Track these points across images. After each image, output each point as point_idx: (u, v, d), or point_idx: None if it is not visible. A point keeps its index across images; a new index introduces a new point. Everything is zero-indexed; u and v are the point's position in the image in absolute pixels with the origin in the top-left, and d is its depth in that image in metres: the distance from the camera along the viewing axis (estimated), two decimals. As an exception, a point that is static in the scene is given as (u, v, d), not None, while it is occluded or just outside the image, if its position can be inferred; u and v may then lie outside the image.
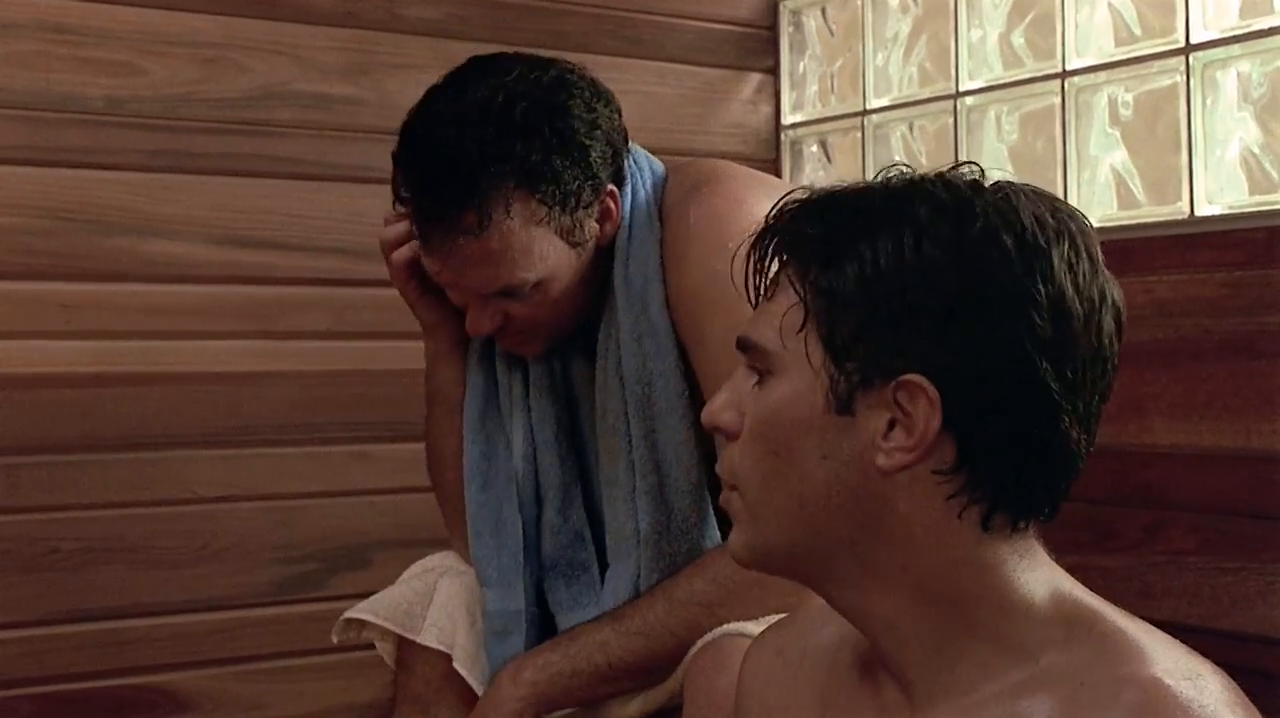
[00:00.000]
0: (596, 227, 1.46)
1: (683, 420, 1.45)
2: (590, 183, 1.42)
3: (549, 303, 1.45)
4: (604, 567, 1.53)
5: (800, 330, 0.91)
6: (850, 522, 0.91)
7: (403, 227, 1.51)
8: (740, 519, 0.96)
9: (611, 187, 1.46)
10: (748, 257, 0.96)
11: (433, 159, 1.39)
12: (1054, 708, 0.86)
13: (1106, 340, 0.91)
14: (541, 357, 1.55)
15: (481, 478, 1.56)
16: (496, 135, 1.37)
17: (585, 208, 1.43)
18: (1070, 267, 0.89)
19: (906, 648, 0.92)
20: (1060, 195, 2.08)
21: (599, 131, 1.43)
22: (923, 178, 0.93)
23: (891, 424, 0.89)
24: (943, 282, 0.88)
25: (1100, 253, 0.93)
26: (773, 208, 0.96)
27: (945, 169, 0.95)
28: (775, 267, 0.95)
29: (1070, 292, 0.89)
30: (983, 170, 0.94)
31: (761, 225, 0.96)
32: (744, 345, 0.95)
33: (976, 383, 0.88)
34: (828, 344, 0.90)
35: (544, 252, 1.41)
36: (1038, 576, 0.92)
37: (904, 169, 0.95)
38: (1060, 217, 0.91)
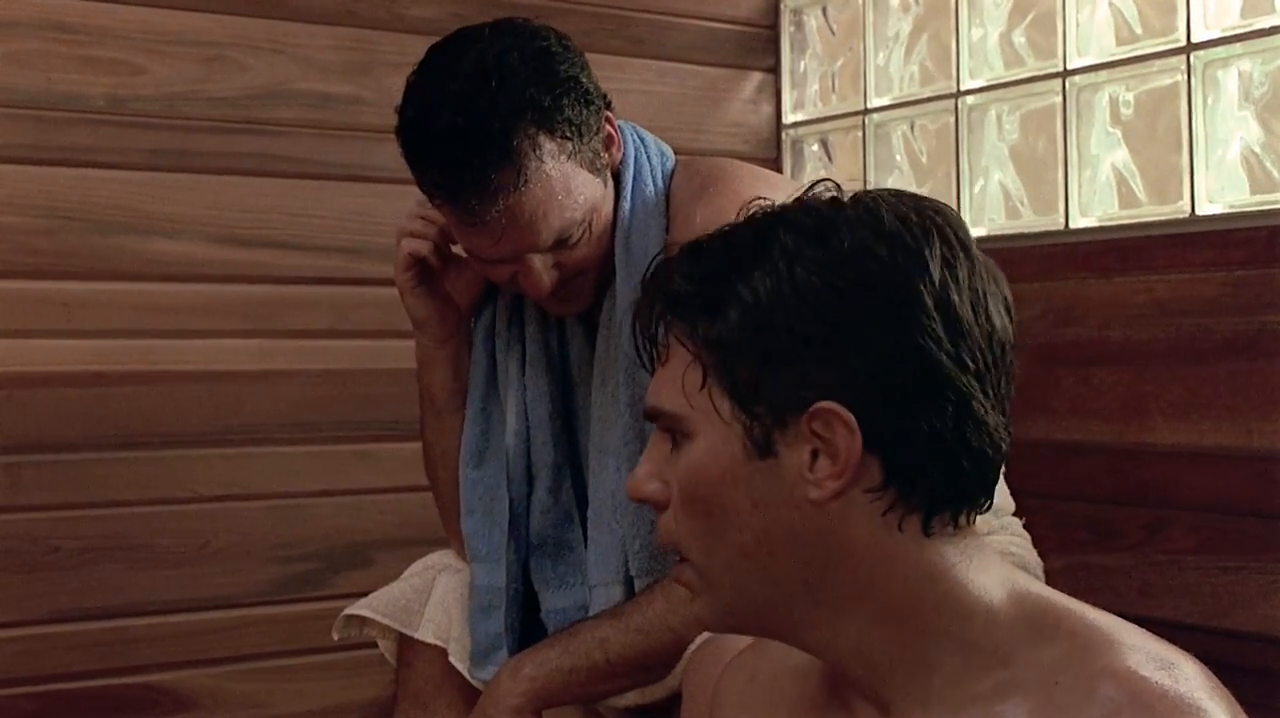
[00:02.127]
0: (605, 154, 1.49)
1: None
2: (592, 110, 1.45)
3: (593, 240, 1.47)
4: None
5: (703, 387, 0.90)
6: (797, 562, 0.90)
7: (422, 224, 1.52)
8: (694, 588, 0.94)
9: (607, 112, 1.49)
10: (633, 328, 0.95)
11: (452, 138, 1.40)
12: (1031, 710, 0.86)
13: (998, 323, 0.91)
14: (539, 335, 1.57)
15: (477, 456, 1.58)
16: (504, 90, 1.39)
17: (596, 134, 1.46)
18: (945, 261, 0.89)
19: (878, 670, 0.92)
20: (1061, 194, 2.09)
21: (579, 61, 1.46)
22: (782, 208, 0.93)
23: (814, 455, 0.89)
24: (824, 304, 0.87)
25: (972, 240, 0.92)
26: (646, 271, 0.96)
27: (803, 192, 0.95)
28: (664, 330, 0.94)
29: (951, 284, 0.89)
30: (839, 185, 0.94)
31: (638, 297, 0.95)
32: (652, 414, 0.94)
33: (885, 395, 0.88)
34: (732, 393, 0.89)
35: (580, 187, 1.44)
36: (991, 575, 0.92)
37: (764, 202, 0.95)
38: (925, 213, 0.91)
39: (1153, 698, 0.83)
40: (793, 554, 0.90)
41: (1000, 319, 0.91)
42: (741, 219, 0.94)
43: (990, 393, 0.90)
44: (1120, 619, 0.91)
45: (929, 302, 0.87)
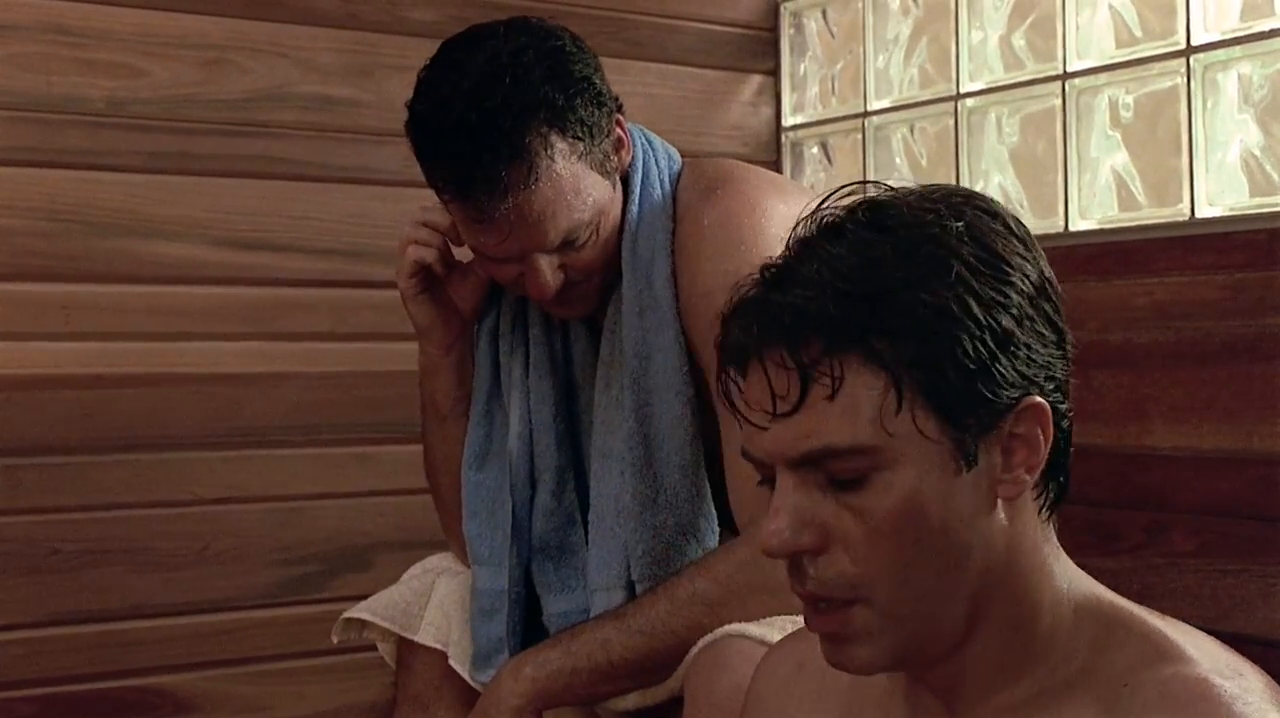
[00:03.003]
0: (615, 157, 1.48)
1: (678, 396, 1.46)
2: (604, 112, 1.45)
3: (600, 244, 1.47)
4: None
5: (899, 412, 0.85)
6: (978, 572, 0.88)
7: (427, 232, 1.52)
8: (868, 630, 0.88)
9: (618, 115, 1.49)
10: (757, 374, 0.88)
11: (464, 133, 1.39)
12: (1100, 712, 0.87)
13: None
14: (542, 338, 1.57)
15: (480, 459, 1.58)
16: (517, 88, 1.39)
17: (607, 136, 1.46)
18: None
19: (967, 671, 0.91)
20: (1060, 197, 2.09)
21: (593, 62, 1.46)
22: (894, 212, 0.90)
23: (1003, 454, 0.88)
24: (1008, 307, 0.87)
25: None
26: (751, 279, 0.90)
27: (847, 194, 0.93)
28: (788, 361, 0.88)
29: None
30: (880, 184, 0.94)
31: (745, 297, 0.89)
32: (818, 456, 0.87)
33: (1056, 380, 0.90)
34: (941, 409, 0.86)
35: (589, 188, 1.43)
36: (1069, 575, 0.93)
37: (833, 213, 0.91)
38: (1012, 216, 0.94)
39: (1219, 706, 0.84)
40: (978, 567, 0.88)
41: None
42: (854, 233, 0.89)
43: None
44: (1186, 625, 0.92)
45: (1059, 298, 0.92)
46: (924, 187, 0.94)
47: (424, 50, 1.48)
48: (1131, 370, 1.93)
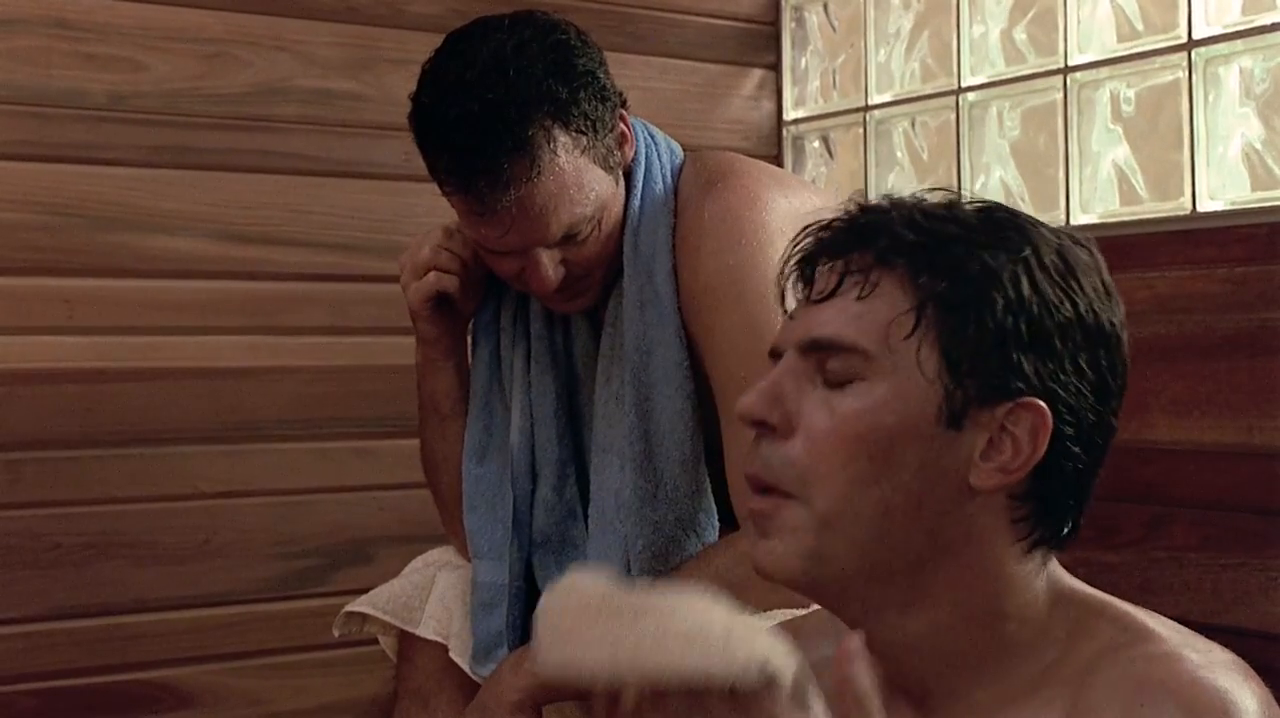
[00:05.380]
0: (619, 152, 1.48)
1: (679, 391, 1.46)
2: (608, 106, 1.45)
3: (602, 239, 1.47)
4: None
5: (909, 337, 0.88)
6: (926, 537, 0.89)
7: (448, 257, 1.52)
8: (794, 527, 0.89)
9: (621, 110, 1.49)
10: (798, 247, 0.93)
11: (468, 125, 1.39)
12: (1069, 698, 0.88)
13: None
14: (544, 332, 1.56)
15: (480, 452, 1.58)
16: (521, 81, 1.39)
17: (611, 131, 1.46)
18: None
19: (928, 664, 0.92)
20: (1061, 191, 2.09)
21: (597, 57, 1.46)
22: (988, 204, 0.93)
23: (989, 443, 0.88)
24: (1060, 315, 0.88)
25: None
26: (849, 204, 0.94)
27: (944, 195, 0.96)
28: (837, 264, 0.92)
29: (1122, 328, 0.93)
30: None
31: (834, 217, 0.93)
32: (822, 344, 0.90)
33: (1076, 412, 0.89)
34: (946, 356, 0.87)
35: (591, 182, 1.43)
36: (1047, 577, 0.93)
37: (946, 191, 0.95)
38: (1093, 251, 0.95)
39: (1180, 672, 0.85)
40: (927, 529, 0.89)
41: None
42: (956, 203, 0.93)
43: None
44: (1161, 616, 0.92)
45: (1122, 340, 0.92)
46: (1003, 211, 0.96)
47: (424, 44, 1.48)
48: (1132, 364, 1.93)
